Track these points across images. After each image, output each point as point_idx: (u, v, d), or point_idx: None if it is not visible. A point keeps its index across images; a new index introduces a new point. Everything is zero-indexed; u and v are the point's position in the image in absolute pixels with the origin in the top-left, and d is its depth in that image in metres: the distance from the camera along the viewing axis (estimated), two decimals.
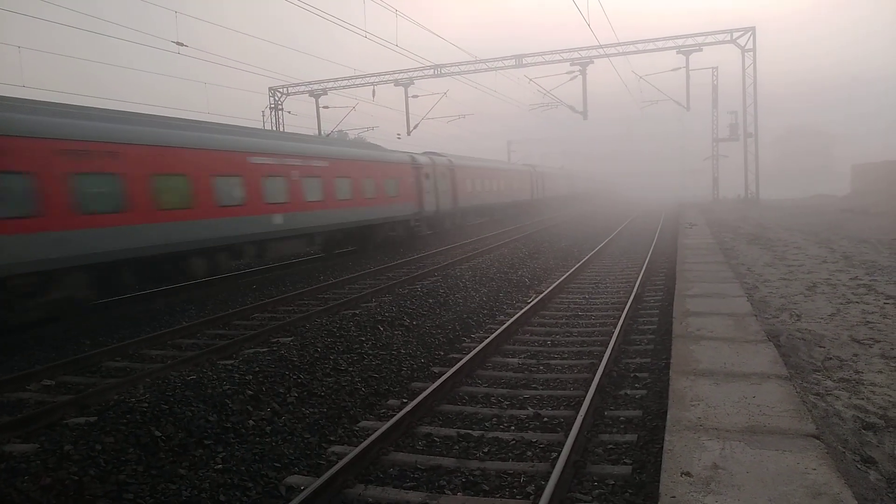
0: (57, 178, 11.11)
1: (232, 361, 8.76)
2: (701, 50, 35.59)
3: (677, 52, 35.66)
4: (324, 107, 41.95)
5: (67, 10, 17.83)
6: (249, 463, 5.72)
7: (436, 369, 8.65)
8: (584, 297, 13.30)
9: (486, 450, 5.94)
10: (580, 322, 11.07)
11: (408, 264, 19.65)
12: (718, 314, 8.14)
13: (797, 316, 8.97)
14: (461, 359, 8.47)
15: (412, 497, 5.01)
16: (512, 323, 10.35)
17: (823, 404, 5.56)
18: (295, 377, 7.84)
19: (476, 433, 6.27)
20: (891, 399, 5.69)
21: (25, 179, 10.62)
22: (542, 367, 8.51)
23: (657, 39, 35.73)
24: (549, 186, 50.18)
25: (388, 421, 6.32)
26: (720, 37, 35.96)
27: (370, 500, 5.02)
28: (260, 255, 16.84)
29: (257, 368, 7.94)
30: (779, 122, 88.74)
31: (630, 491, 4.99)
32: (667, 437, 4.33)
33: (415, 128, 40.90)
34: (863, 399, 5.72)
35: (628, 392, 7.30)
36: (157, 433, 6.07)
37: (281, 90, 42.08)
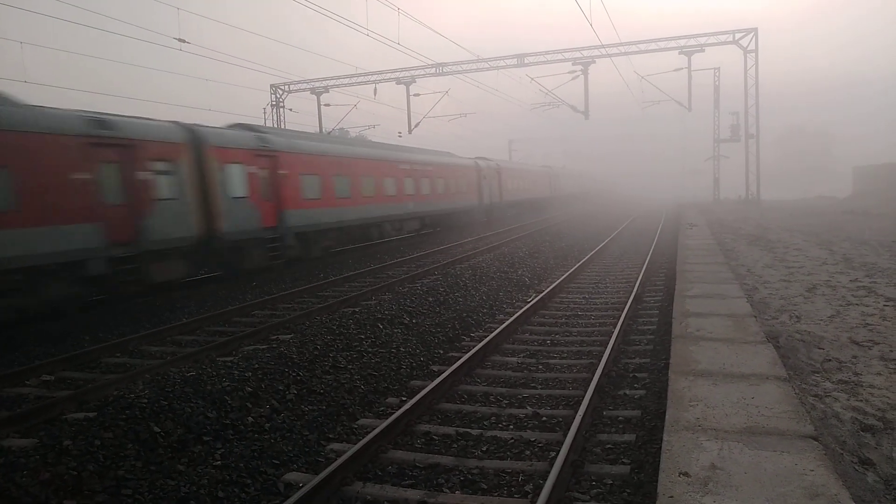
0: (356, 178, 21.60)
1: (231, 358, 8.77)
2: (703, 50, 35.56)
3: (679, 53, 35.63)
4: (325, 104, 41.98)
5: (69, 6, 17.82)
6: (248, 460, 5.73)
7: (435, 368, 8.65)
8: (584, 297, 13.31)
9: (484, 448, 5.95)
10: (580, 322, 11.07)
11: (408, 262, 19.66)
12: (718, 315, 8.14)
13: (797, 317, 8.97)
14: (460, 357, 8.47)
15: (410, 495, 5.01)
16: (511, 322, 10.35)
17: (822, 406, 5.57)
18: (294, 374, 7.85)
19: (475, 432, 6.27)
20: (889, 401, 5.70)
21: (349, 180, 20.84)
22: (541, 367, 8.51)
23: (659, 40, 35.72)
24: (562, 185, 56.81)
25: (386, 419, 6.33)
26: (722, 37, 35.93)
27: (368, 497, 5.03)
28: (399, 229, 25.68)
29: (257, 365, 7.95)
30: (780, 122, 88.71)
31: (628, 491, 5.00)
32: (665, 437, 4.33)
33: (416, 126, 40.91)
34: (861, 401, 5.72)
35: (627, 392, 7.30)
36: (156, 429, 6.08)
37: (283, 87, 42.07)
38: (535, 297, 12.90)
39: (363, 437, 5.89)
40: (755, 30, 36.30)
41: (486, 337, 9.61)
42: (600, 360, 7.97)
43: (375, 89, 39.39)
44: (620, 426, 6.35)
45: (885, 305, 9.49)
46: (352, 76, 40.18)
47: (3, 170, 10.56)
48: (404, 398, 7.38)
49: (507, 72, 37.22)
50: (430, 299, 12.51)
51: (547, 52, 36.45)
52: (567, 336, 10.13)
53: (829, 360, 6.97)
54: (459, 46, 31.08)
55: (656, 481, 3.75)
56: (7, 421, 6.65)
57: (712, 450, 4.08)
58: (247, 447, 5.99)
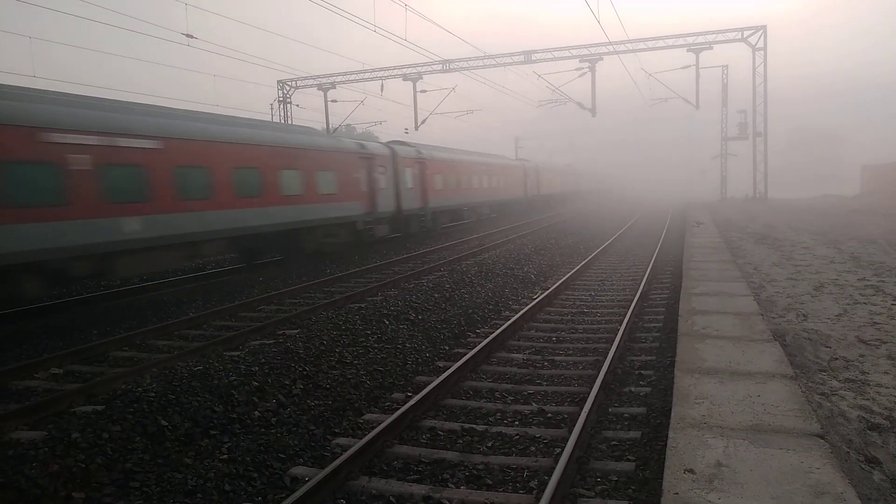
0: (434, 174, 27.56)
1: (238, 353, 8.81)
2: (711, 48, 35.38)
3: (687, 50, 35.46)
4: (332, 100, 41.97)
5: (79, 1, 17.88)
6: (255, 453, 5.76)
7: (440, 364, 8.67)
8: (590, 294, 13.29)
9: (489, 444, 5.96)
10: (585, 319, 11.07)
11: (413, 259, 19.68)
12: (724, 313, 8.12)
13: (804, 316, 8.94)
14: (466, 354, 8.49)
15: (416, 490, 5.03)
16: (517, 319, 10.36)
17: (828, 404, 5.55)
18: (300, 369, 7.88)
19: (480, 428, 6.29)
20: None
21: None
22: (546, 364, 8.52)
23: (667, 37, 35.56)
24: (582, 182, 67.51)
25: (392, 414, 6.35)
26: (731, 35, 35.74)
27: (374, 492, 5.05)
28: (479, 213, 34.16)
29: (263, 360, 7.99)
30: (788, 121, 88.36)
31: (633, 487, 5.01)
32: (670, 435, 4.33)
33: (423, 122, 40.88)
34: (868, 399, 5.70)
35: (633, 389, 7.30)
36: (164, 423, 6.12)
37: (290, 83, 42.12)
38: (541, 294, 12.90)
39: (369, 432, 5.91)
40: (764, 27, 36.10)
41: (491, 333, 9.62)
42: (606, 357, 7.97)
43: (382, 85, 39.37)
44: (626, 423, 6.35)
45: (892, 304, 9.44)
46: (359, 72, 40.20)
47: (333, 172, 19.56)
48: (410, 394, 7.41)
49: (515, 68, 37.17)
50: (436, 296, 12.53)
51: (554, 49, 36.34)
52: (573, 333, 10.13)
53: (836, 358, 6.94)
54: (466, 43, 31.15)
55: (661, 478, 3.75)
56: (16, 413, 6.70)
57: (718, 447, 4.08)
58: (253, 441, 6.02)
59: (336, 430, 6.45)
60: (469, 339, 9.92)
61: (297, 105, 42.44)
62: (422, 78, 39.34)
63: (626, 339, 9.32)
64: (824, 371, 6.53)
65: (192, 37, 22.92)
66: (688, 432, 4.35)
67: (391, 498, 4.93)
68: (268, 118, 39.42)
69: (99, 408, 6.60)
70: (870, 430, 5.08)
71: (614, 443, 5.86)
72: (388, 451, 5.79)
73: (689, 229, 21.86)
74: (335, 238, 20.02)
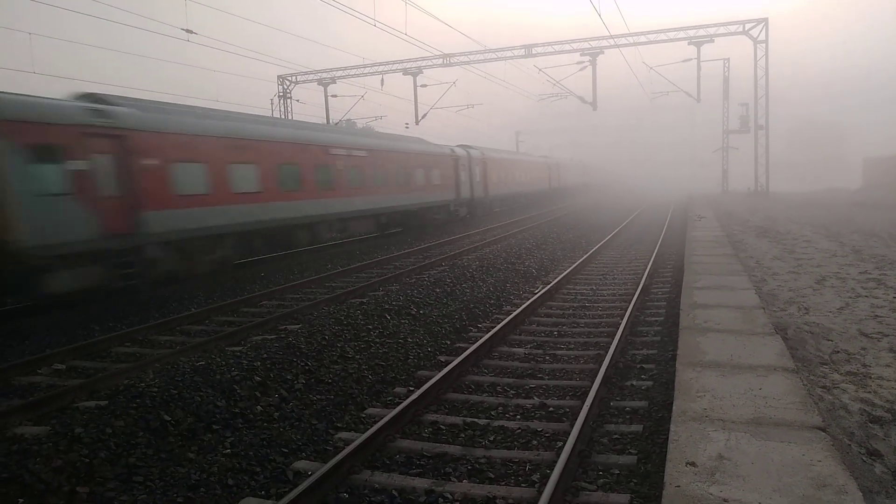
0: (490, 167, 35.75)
1: (240, 348, 8.83)
2: (713, 41, 35.25)
3: (689, 44, 35.34)
4: (332, 95, 41.91)
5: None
6: (257, 448, 5.78)
7: (442, 358, 8.68)
8: (592, 288, 13.30)
9: (491, 438, 5.98)
10: (587, 313, 11.07)
11: (415, 254, 19.69)
12: (726, 306, 8.12)
13: (805, 309, 8.93)
14: (468, 348, 8.50)
15: (418, 483, 5.05)
16: (519, 313, 10.37)
17: (830, 397, 5.56)
18: (302, 364, 7.90)
19: (482, 421, 6.30)
20: None
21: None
22: (548, 358, 8.53)
23: (668, 30, 35.42)
24: (590, 176, 74.96)
25: (394, 408, 6.36)
26: (732, 28, 35.61)
27: (376, 485, 5.07)
28: (526, 199, 42.69)
29: (265, 355, 8.00)
30: (790, 114, 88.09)
31: (635, 480, 5.02)
32: (672, 428, 4.34)
33: (423, 117, 40.81)
34: (870, 392, 5.70)
35: (634, 383, 7.30)
36: (167, 417, 6.14)
37: (290, 78, 42.03)
38: (543, 288, 12.90)
39: (371, 427, 5.92)
40: (765, 20, 35.95)
41: (493, 328, 9.63)
42: (608, 351, 7.98)
43: (382, 80, 39.32)
44: (627, 417, 6.36)
45: (894, 297, 9.43)
46: (359, 67, 40.09)
47: (438, 170, 27.87)
48: (412, 388, 7.41)
49: (515, 62, 37.08)
50: (438, 290, 12.54)
51: (555, 43, 36.22)
52: (574, 327, 10.14)
53: (838, 351, 6.94)
54: (467, 37, 31.11)
55: (663, 471, 3.76)
56: (20, 409, 6.73)
57: (719, 440, 4.09)
58: (256, 436, 6.04)
59: (338, 425, 6.47)
60: (471, 334, 9.93)
61: (298, 100, 42.39)
62: (422, 72, 39.25)
63: (628, 333, 9.33)
64: (826, 364, 6.53)
65: (192, 32, 22.88)
66: (689, 425, 4.36)
67: (393, 492, 4.94)
68: (268, 114, 39.42)
69: (102, 403, 6.63)
70: (871, 422, 5.09)
71: (616, 436, 5.88)
72: (390, 445, 5.80)
73: (690, 223, 21.84)
74: (437, 216, 28.36)
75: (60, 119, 11.37)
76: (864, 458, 4.47)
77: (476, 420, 6.34)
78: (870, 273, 11.57)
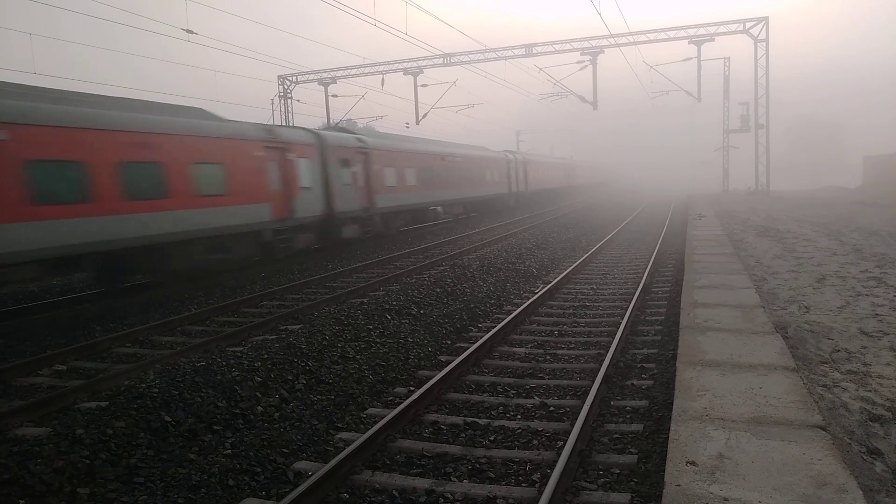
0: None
1: (241, 348, 8.83)
2: (713, 40, 35.19)
3: (689, 42, 35.29)
4: (332, 95, 41.90)
5: None
6: (258, 448, 5.78)
7: (443, 358, 8.68)
8: (592, 288, 13.30)
9: (492, 438, 5.98)
10: (588, 312, 11.07)
11: (415, 254, 19.69)
12: (726, 305, 8.12)
13: (806, 308, 8.93)
14: (468, 348, 8.50)
15: (419, 483, 5.05)
16: (519, 313, 10.37)
17: (830, 396, 5.56)
18: (303, 364, 7.90)
19: (482, 421, 6.30)
20: None
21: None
22: (548, 357, 8.53)
23: (669, 29, 35.38)
24: (597, 175, 79.96)
25: (395, 408, 6.37)
26: (732, 27, 35.54)
27: (377, 486, 5.07)
28: (553, 194, 50.19)
29: (266, 355, 8.01)
30: (790, 112, 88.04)
31: (635, 480, 5.02)
32: (672, 427, 4.34)
33: (424, 117, 40.80)
34: (870, 391, 5.71)
35: (635, 382, 7.31)
36: (167, 418, 6.14)
37: (290, 78, 42.02)
38: (543, 287, 12.90)
39: (372, 427, 5.93)
40: (766, 18, 35.90)
41: (493, 327, 9.63)
42: (608, 351, 7.98)
43: (383, 80, 39.26)
44: (628, 416, 6.36)
45: (895, 296, 9.43)
46: (359, 67, 40.05)
47: (497, 170, 36.16)
48: (412, 388, 7.42)
49: (515, 62, 37.00)
50: (438, 290, 12.54)
51: (555, 42, 36.18)
52: (575, 327, 10.14)
53: (838, 350, 6.95)
54: (467, 36, 30.96)
55: (664, 470, 3.76)
56: (21, 410, 6.73)
57: (720, 439, 4.09)
58: (257, 436, 6.05)
59: (339, 425, 6.48)
60: (471, 334, 9.93)
61: (298, 100, 42.38)
62: (422, 72, 39.21)
63: (628, 333, 9.33)
64: (826, 363, 6.54)
65: (192, 32, 22.87)
66: (690, 424, 4.36)
67: (394, 492, 4.94)
68: (268, 114, 39.44)
69: (103, 404, 6.63)
70: (871, 421, 5.09)
71: (616, 436, 5.88)
72: (390, 445, 5.81)
73: (691, 222, 21.83)
74: (491, 205, 35.56)
75: (348, 145, 20.89)
76: (865, 457, 4.47)
77: (477, 420, 6.35)
78: (870, 271, 11.57)
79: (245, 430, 6.22)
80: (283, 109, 41.67)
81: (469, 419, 6.37)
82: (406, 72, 39.38)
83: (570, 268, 15.01)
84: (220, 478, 5.26)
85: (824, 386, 5.83)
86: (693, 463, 3.77)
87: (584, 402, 6.27)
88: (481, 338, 8.96)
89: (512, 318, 9.96)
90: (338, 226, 19.78)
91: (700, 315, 7.65)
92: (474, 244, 21.01)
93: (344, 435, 6.17)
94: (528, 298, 11.89)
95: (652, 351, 8.49)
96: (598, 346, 8.86)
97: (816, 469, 3.61)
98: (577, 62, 35.55)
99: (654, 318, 10.38)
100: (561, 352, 8.72)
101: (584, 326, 10.14)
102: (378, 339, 9.20)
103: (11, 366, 8.46)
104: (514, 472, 5.28)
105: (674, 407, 4.74)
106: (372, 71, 39.98)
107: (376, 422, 6.16)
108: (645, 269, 14.41)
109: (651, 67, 36.13)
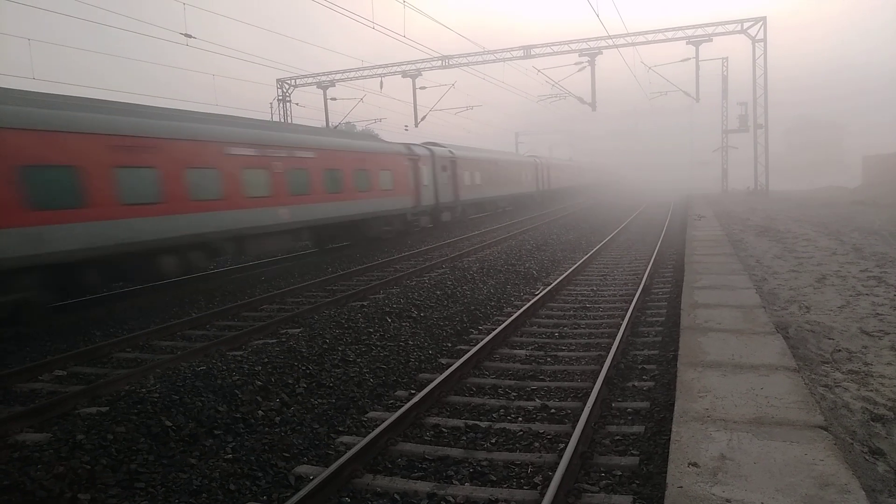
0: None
1: (241, 352, 8.82)
2: (711, 40, 35.25)
3: (687, 43, 35.35)
4: (331, 98, 41.92)
5: (75, 1, 17.86)
6: (259, 453, 5.77)
7: (443, 360, 8.67)
8: (592, 289, 13.29)
9: (493, 440, 5.97)
10: (588, 314, 11.07)
11: (415, 256, 19.68)
12: (727, 306, 8.12)
13: (806, 308, 8.93)
14: (469, 350, 8.50)
15: (420, 487, 5.04)
16: (520, 315, 10.36)
17: (832, 396, 5.55)
18: (304, 368, 7.89)
19: (483, 424, 6.29)
20: None
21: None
22: (549, 359, 8.52)
23: (667, 30, 35.43)
24: (599, 176, 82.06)
25: (396, 412, 6.36)
26: (730, 27, 35.60)
27: (378, 489, 5.06)
28: (568, 193, 57.37)
29: (266, 359, 8.00)
30: (789, 112, 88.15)
31: (637, 482, 5.01)
32: (674, 428, 4.33)
33: (422, 119, 40.83)
34: (872, 391, 5.70)
35: (636, 384, 7.30)
36: (168, 423, 6.14)
37: (289, 82, 42.05)
38: (543, 289, 12.90)
39: (373, 430, 5.92)
40: (764, 19, 35.96)
41: (494, 330, 9.62)
42: (609, 352, 7.97)
43: (381, 83, 39.28)
44: (629, 417, 6.35)
45: (895, 295, 9.43)
46: (358, 69, 40.10)
47: (526, 172, 43.15)
48: (413, 391, 7.41)
49: (514, 64, 37.05)
50: (438, 293, 12.53)
51: (553, 44, 36.23)
52: (575, 328, 10.13)
53: (839, 350, 6.94)
54: (465, 38, 31.03)
55: (665, 472, 3.76)
56: (21, 415, 6.72)
57: (721, 440, 4.09)
58: (257, 440, 6.04)
59: (340, 429, 6.46)
60: (472, 336, 9.92)
61: (297, 104, 42.41)
62: (421, 74, 39.25)
63: (629, 334, 9.32)
64: (827, 363, 6.53)
65: (190, 36, 22.89)
66: (691, 426, 4.35)
67: (396, 495, 4.93)
68: (267, 117, 39.44)
69: (103, 409, 6.63)
70: (873, 421, 5.08)
71: (618, 437, 5.87)
72: (392, 448, 5.80)
73: (690, 222, 21.83)
74: (524, 201, 41.23)
75: (445, 155, 28.48)
76: (867, 457, 4.46)
77: (478, 422, 6.34)
78: (870, 271, 11.56)
79: (246, 435, 6.21)
80: (281, 113, 41.70)
81: (470, 422, 6.36)
82: (405, 74, 39.44)
83: (571, 269, 15.01)
84: (221, 482, 5.25)
85: (826, 386, 5.83)
86: (695, 464, 3.76)
87: (585, 404, 6.25)
88: (482, 340, 8.95)
89: (512, 321, 9.96)
90: (440, 212, 28.13)
91: (701, 316, 7.64)
92: (474, 246, 21.00)
93: (345, 438, 6.16)
94: (529, 300, 11.88)
95: (653, 352, 8.48)
96: (599, 347, 8.85)
97: (818, 470, 3.60)
98: (576, 63, 35.61)
99: (654, 319, 10.37)
100: (562, 353, 8.72)
101: (584, 328, 10.13)
102: (378, 343, 9.20)
103: (11, 371, 8.44)
104: (516, 475, 5.27)
105: (675, 408, 4.73)
106: (370, 73, 40.04)
107: (377, 425, 6.15)
108: (645, 270, 14.40)
109: (649, 68, 36.24)
